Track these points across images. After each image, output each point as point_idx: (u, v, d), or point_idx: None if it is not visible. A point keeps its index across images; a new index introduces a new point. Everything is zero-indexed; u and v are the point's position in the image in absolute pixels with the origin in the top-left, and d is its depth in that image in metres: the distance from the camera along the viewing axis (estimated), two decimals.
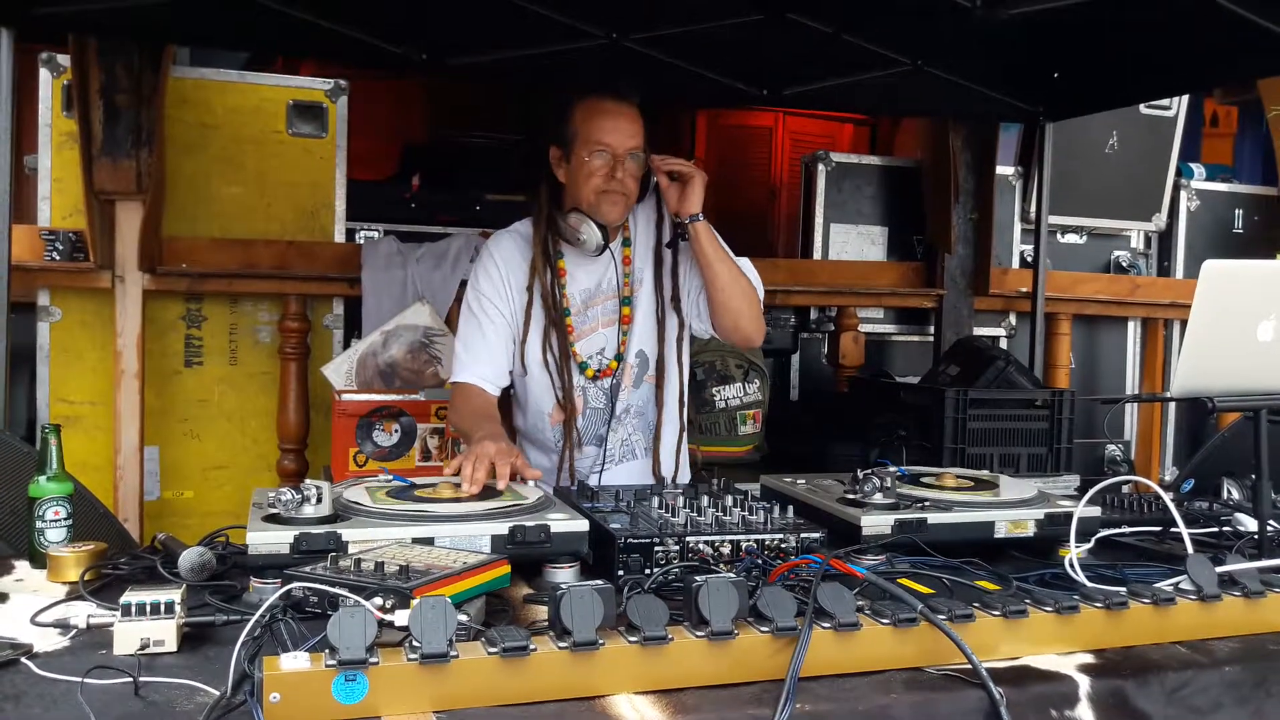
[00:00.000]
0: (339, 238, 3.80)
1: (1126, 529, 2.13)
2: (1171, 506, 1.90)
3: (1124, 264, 5.00)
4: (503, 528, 1.72)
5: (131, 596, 1.42)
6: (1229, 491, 2.44)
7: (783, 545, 1.80)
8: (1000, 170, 4.55)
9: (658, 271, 2.50)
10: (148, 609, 1.41)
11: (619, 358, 2.48)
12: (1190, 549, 1.80)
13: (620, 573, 1.71)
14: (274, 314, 3.68)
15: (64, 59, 3.43)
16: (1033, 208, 4.52)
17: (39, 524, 1.83)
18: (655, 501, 2.00)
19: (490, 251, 2.48)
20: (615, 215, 2.39)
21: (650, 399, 2.53)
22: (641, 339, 2.50)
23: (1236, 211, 5.13)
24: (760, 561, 1.74)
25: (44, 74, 3.49)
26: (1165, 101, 4.82)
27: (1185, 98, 4.86)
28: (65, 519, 1.85)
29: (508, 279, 2.44)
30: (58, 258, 3.42)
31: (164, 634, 1.40)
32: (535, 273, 2.42)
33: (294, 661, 1.22)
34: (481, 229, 3.76)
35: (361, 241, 3.85)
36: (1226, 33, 2.99)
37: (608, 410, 2.50)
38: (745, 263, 2.50)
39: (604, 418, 2.50)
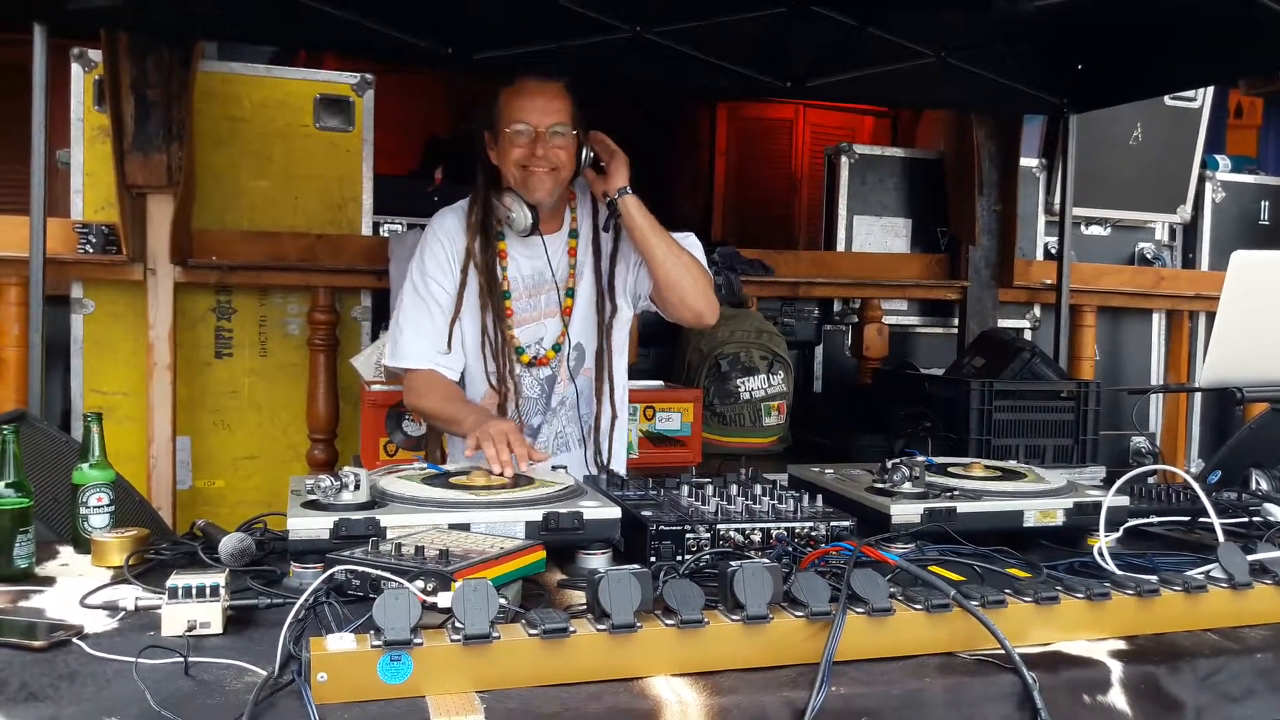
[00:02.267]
0: (366, 231, 3.84)
1: (1155, 519, 2.14)
2: (1202, 495, 1.90)
3: (1149, 256, 4.98)
4: (537, 514, 1.74)
5: (178, 580, 1.45)
6: (1257, 482, 2.43)
7: (812, 533, 1.82)
8: (1024, 162, 4.55)
9: (596, 261, 2.47)
10: (194, 592, 1.44)
11: (556, 348, 2.45)
12: (1221, 537, 1.81)
13: (652, 559, 1.73)
14: (303, 306, 3.73)
15: (95, 54, 3.48)
16: (1057, 199, 4.52)
17: (83, 510, 1.87)
18: (685, 490, 2.02)
19: (434, 230, 2.43)
20: (542, 192, 2.34)
21: (588, 391, 2.49)
22: (581, 331, 2.48)
23: (1262, 203, 5.11)
24: (791, 549, 1.76)
25: (76, 69, 3.55)
26: (1190, 93, 4.80)
27: (1210, 89, 4.84)
28: (108, 505, 1.88)
29: (452, 257, 2.40)
30: (91, 251, 3.47)
31: (210, 616, 1.43)
32: (470, 255, 2.38)
33: (340, 642, 1.24)
34: None
35: (386, 235, 3.88)
36: (1252, 24, 2.98)
37: (542, 401, 2.47)
38: (689, 238, 2.47)
39: (538, 408, 2.47)
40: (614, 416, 2.53)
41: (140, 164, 3.39)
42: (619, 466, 2.50)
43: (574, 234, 2.47)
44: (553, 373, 2.46)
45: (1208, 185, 5.00)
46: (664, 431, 3.42)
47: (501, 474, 1.99)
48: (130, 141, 3.37)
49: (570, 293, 2.45)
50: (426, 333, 2.39)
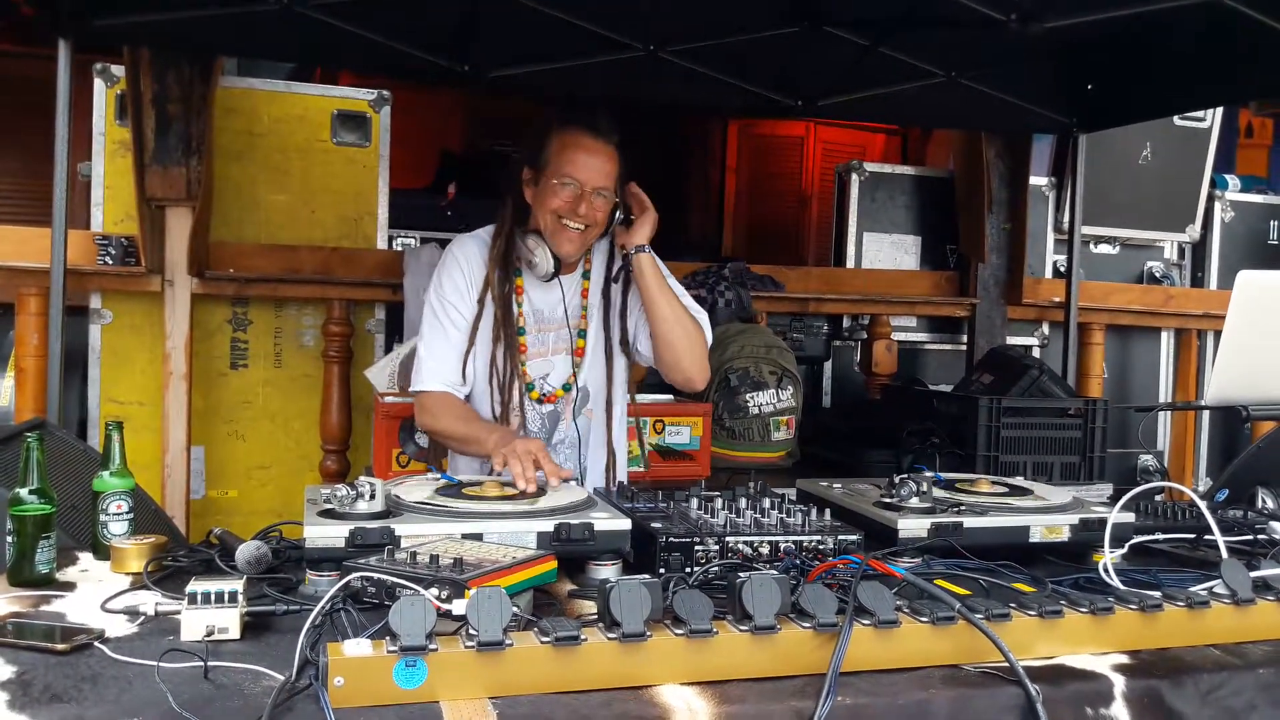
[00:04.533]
0: (381, 245, 3.88)
1: (1160, 536, 2.15)
2: (1206, 512, 1.92)
3: (1157, 275, 4.99)
4: (548, 525, 1.77)
5: (197, 586, 1.48)
6: (1264, 501, 2.45)
7: (820, 546, 1.84)
8: (1033, 181, 4.57)
9: (605, 308, 2.50)
10: (212, 598, 1.47)
11: (566, 388, 2.48)
12: (1225, 554, 1.82)
13: (662, 570, 1.75)
14: (318, 318, 3.77)
15: (118, 69, 3.54)
16: (1066, 218, 4.54)
17: (102, 517, 1.90)
18: (694, 502, 2.05)
19: (455, 255, 2.44)
20: (569, 250, 2.38)
21: (587, 431, 2.52)
22: (589, 374, 2.50)
23: (1271, 223, 5.13)
24: (799, 562, 1.78)
25: (98, 84, 3.61)
26: (1199, 113, 4.82)
27: (1219, 109, 4.86)
28: (127, 513, 1.92)
29: (471, 285, 2.42)
30: (110, 262, 3.51)
31: (228, 622, 1.47)
32: (489, 285, 2.41)
33: (357, 648, 1.27)
34: None
35: (401, 249, 3.93)
36: (1261, 46, 3.00)
37: (543, 436, 2.47)
38: (695, 306, 2.50)
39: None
40: (612, 456, 2.55)
41: (160, 177, 3.44)
42: None
43: (587, 275, 2.50)
44: (556, 410, 2.49)
45: (1217, 205, 5.01)
46: (673, 445, 3.45)
47: (525, 491, 2.00)
48: (150, 155, 3.42)
49: (582, 334, 2.49)
50: (442, 356, 2.41)
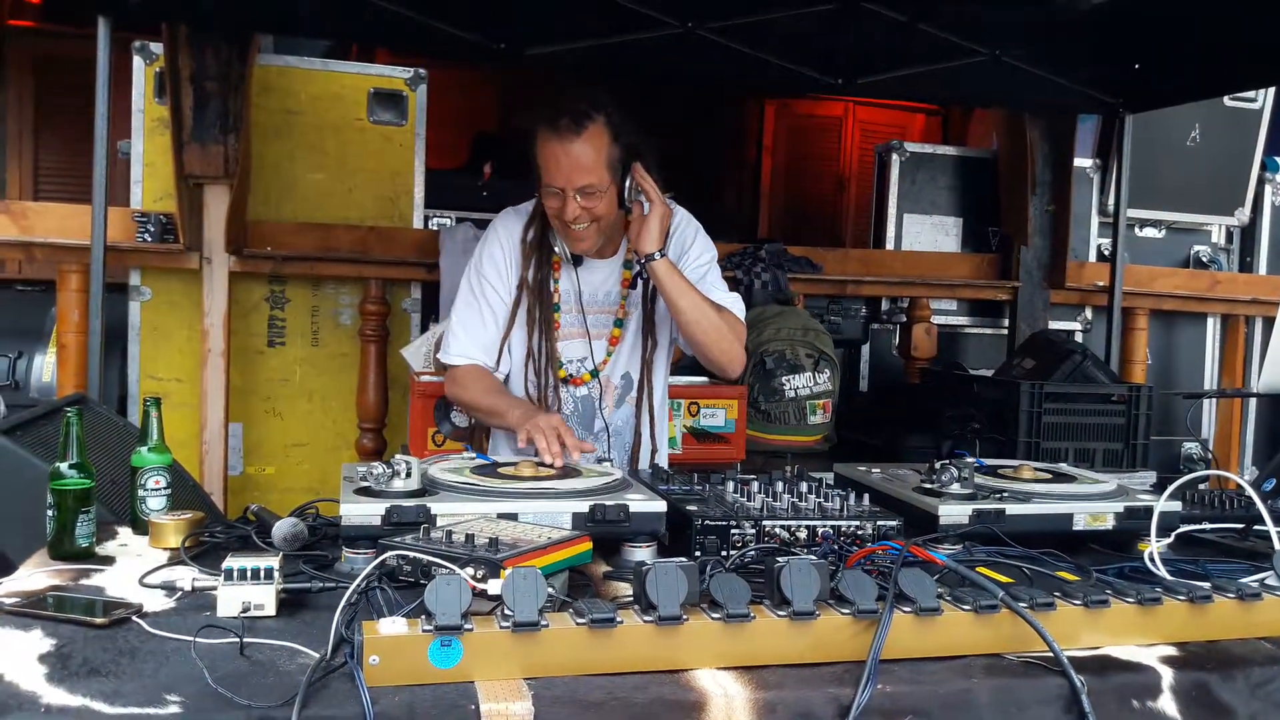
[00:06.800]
0: (417, 224, 3.88)
1: (1207, 525, 2.10)
2: (1258, 501, 1.87)
3: (1204, 259, 4.90)
4: (583, 506, 1.76)
5: (233, 562, 1.48)
6: None
7: (859, 532, 1.82)
8: (1078, 162, 4.49)
9: (644, 297, 2.48)
10: (249, 574, 1.47)
11: (595, 373, 2.47)
12: (1278, 545, 1.78)
13: (697, 553, 1.74)
14: (354, 297, 3.78)
15: (156, 47, 3.55)
16: (1111, 200, 4.45)
17: (141, 492, 1.91)
18: (730, 485, 2.03)
19: (497, 232, 2.43)
20: (583, 248, 2.36)
21: (631, 420, 2.51)
22: (629, 361, 2.49)
23: None
24: (837, 547, 1.76)
25: (137, 61, 3.62)
26: (1250, 93, 4.70)
27: (1271, 89, 4.74)
28: (165, 488, 1.93)
29: (511, 264, 2.41)
30: (149, 239, 3.53)
31: (264, 598, 1.47)
32: (525, 269, 2.40)
33: (392, 626, 1.27)
34: None
35: (436, 229, 3.92)
36: None
37: (581, 421, 2.46)
38: (733, 299, 2.45)
39: (574, 427, 2.41)
40: (653, 449, 2.54)
41: (198, 155, 3.45)
42: None
43: (628, 265, 2.46)
44: (590, 394, 2.48)
45: (1267, 188, 4.90)
46: (708, 428, 3.42)
47: (552, 465, 2.01)
48: (189, 133, 3.43)
49: (619, 323, 2.47)
50: (475, 332, 2.41)
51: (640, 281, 2.46)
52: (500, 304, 2.41)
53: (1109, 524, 1.96)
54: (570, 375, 2.45)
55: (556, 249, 2.39)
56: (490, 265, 2.42)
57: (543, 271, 2.41)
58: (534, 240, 2.41)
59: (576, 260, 2.40)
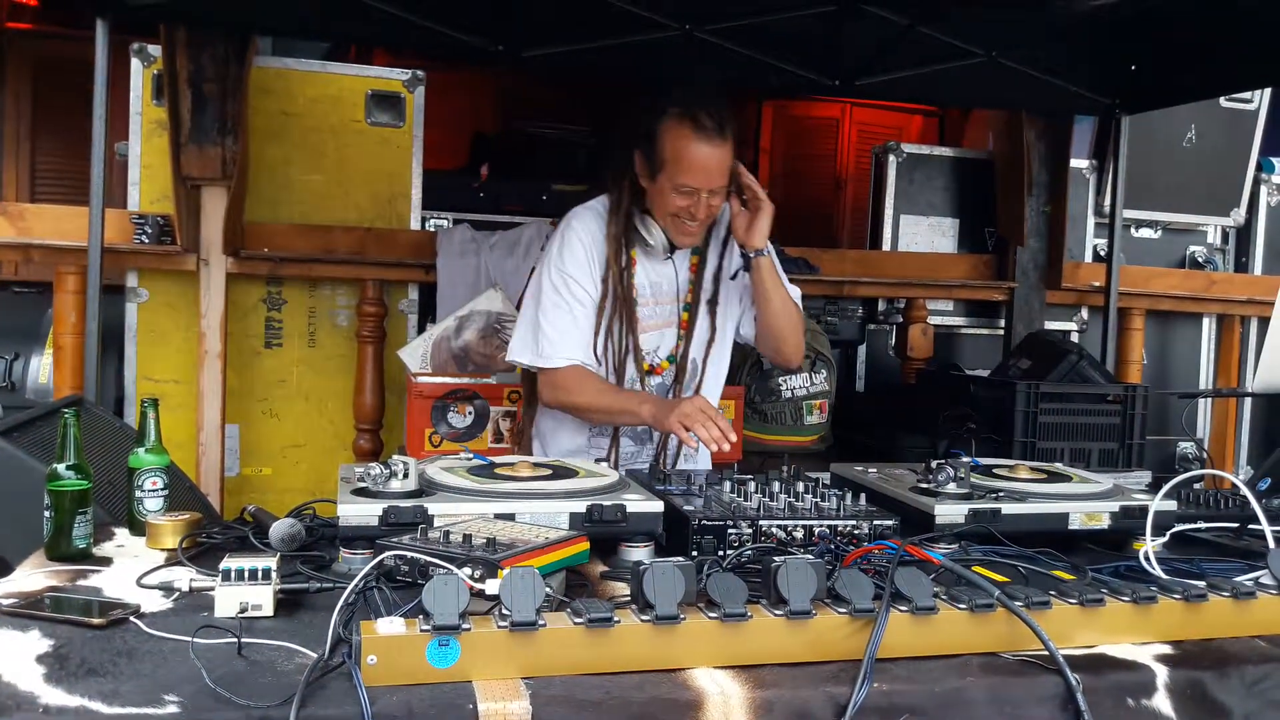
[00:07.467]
0: (414, 225, 3.88)
1: (1202, 524, 2.11)
2: (1253, 500, 1.88)
3: (1200, 259, 4.90)
4: (581, 506, 1.77)
5: (231, 563, 1.48)
6: None
7: (855, 531, 1.82)
8: (1074, 163, 4.49)
9: (715, 288, 2.53)
10: (246, 575, 1.47)
11: (671, 359, 2.51)
12: (1272, 543, 1.78)
13: (694, 553, 1.74)
14: (351, 298, 3.78)
15: (155, 49, 3.55)
16: (1107, 201, 4.46)
17: (138, 493, 1.91)
18: (727, 485, 2.03)
19: (576, 230, 2.44)
20: (688, 243, 2.44)
21: None
22: (696, 347, 2.54)
23: None
24: (833, 546, 1.76)
25: (135, 64, 3.62)
26: (1246, 94, 4.71)
27: (1267, 90, 4.75)
28: (162, 489, 1.93)
29: (594, 261, 2.43)
30: (146, 241, 3.53)
31: (261, 599, 1.47)
32: (610, 265, 2.42)
33: (390, 626, 1.27)
34: (550, 219, 3.81)
35: (434, 230, 3.93)
36: None
37: None
38: (795, 291, 2.55)
39: None
40: None
41: (195, 156, 3.45)
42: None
43: (696, 250, 2.52)
44: (664, 383, 2.51)
45: (1262, 188, 4.90)
46: None
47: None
48: (186, 134, 3.44)
49: (688, 308, 2.51)
50: (569, 332, 2.40)
51: (719, 267, 2.53)
52: (590, 300, 2.42)
53: (1104, 523, 1.97)
54: (651, 366, 2.50)
55: (652, 240, 2.41)
56: (574, 263, 2.42)
57: (627, 264, 2.45)
58: (618, 233, 2.44)
59: (665, 255, 2.45)
